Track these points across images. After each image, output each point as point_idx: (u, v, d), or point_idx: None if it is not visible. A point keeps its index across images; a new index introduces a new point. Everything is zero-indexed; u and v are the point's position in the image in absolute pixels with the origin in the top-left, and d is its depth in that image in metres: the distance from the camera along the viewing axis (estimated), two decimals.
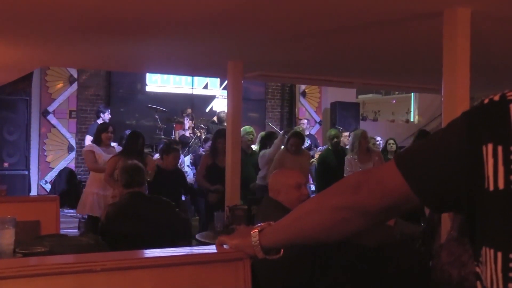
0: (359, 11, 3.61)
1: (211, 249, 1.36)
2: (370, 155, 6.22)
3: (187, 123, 9.01)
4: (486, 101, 0.90)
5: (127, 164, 3.94)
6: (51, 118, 9.58)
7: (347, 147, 6.92)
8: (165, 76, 10.46)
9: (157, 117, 9.26)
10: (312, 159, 7.58)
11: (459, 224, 2.50)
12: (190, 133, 9.01)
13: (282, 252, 1.27)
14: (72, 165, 9.74)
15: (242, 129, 6.29)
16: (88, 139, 8.46)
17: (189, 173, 7.85)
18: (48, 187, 9.46)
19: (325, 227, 1.12)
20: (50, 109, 9.57)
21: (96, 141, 5.87)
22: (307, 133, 9.47)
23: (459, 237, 2.46)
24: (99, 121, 8.30)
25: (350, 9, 3.57)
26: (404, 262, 2.32)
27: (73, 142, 9.76)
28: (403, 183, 0.98)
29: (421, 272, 2.37)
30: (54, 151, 9.55)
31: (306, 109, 11.72)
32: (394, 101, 13.66)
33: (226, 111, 7.16)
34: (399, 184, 0.98)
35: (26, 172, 8.61)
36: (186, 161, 8.06)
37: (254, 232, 1.24)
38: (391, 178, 1.00)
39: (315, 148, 8.93)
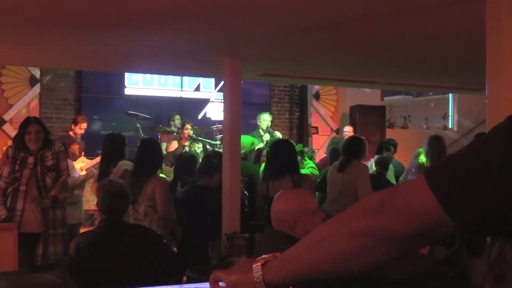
0: None
1: (204, 287, 1.37)
2: None
3: (185, 131, 8.58)
4: None
5: (112, 186, 3.87)
6: (8, 128, 9.61)
7: None
8: (148, 76, 10.51)
9: (138, 125, 9.28)
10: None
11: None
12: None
13: None
14: None
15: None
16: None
17: None
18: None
19: (342, 257, 1.12)
20: (7, 117, 9.61)
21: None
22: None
23: None
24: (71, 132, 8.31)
25: None
26: None
27: None
28: (434, 201, 0.98)
29: None
30: None
31: (320, 115, 11.75)
32: (432, 104, 13.66)
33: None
34: (430, 203, 0.99)
35: None
36: None
37: (257, 265, 1.24)
38: (420, 196, 1.00)
39: None
